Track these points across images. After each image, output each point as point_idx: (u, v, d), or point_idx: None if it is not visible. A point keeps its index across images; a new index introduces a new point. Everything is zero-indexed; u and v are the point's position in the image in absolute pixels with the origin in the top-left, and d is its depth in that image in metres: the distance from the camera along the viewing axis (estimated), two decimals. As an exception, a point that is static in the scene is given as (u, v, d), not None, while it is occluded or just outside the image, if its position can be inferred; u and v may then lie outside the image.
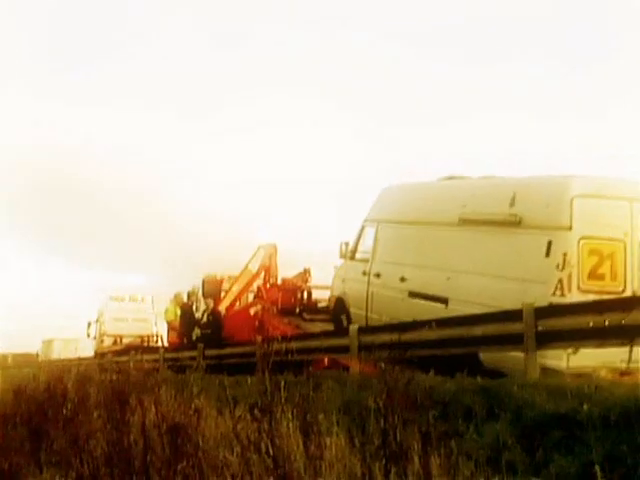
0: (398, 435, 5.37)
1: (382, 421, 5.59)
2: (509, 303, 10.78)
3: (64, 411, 8.23)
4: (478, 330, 10.47)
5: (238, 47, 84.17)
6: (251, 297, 24.97)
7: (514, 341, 9.91)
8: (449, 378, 8.84)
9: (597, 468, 4.90)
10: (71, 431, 7.98)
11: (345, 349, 12.84)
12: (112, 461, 7.12)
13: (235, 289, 24.85)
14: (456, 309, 12.15)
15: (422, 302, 13.46)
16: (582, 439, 6.06)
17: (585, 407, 6.63)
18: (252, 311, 23.02)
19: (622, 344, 9.11)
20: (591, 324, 8.89)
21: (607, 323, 8.75)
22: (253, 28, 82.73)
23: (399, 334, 11.53)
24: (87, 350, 36.75)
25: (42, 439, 8.53)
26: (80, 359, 24.86)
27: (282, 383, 6.52)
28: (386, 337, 11.73)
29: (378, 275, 15.43)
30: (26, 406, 9.92)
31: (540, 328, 9.50)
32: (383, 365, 5.68)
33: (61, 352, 39.03)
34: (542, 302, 10.12)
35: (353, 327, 13.03)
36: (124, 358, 22.65)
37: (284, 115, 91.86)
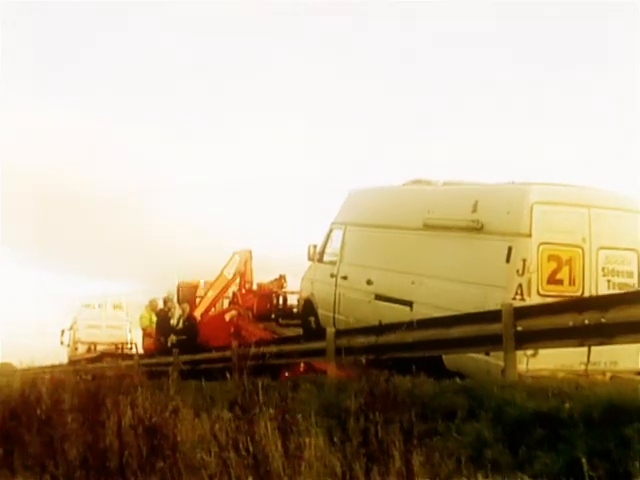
0: (379, 433, 5.29)
1: (363, 419, 5.53)
2: (471, 307, 10.96)
3: (38, 412, 8.08)
4: (455, 332, 10.44)
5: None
6: (226, 303, 24.87)
7: (492, 342, 9.91)
8: (428, 379, 8.78)
9: (584, 461, 4.85)
10: (45, 434, 7.85)
11: (321, 352, 12.75)
12: (87, 463, 7.00)
13: (210, 295, 24.71)
14: (421, 312, 12.24)
15: (388, 305, 13.57)
16: (565, 436, 6.02)
17: (567, 405, 6.61)
18: (227, 317, 22.89)
19: (602, 343, 9.12)
20: (571, 323, 8.90)
21: (587, 322, 8.77)
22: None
23: (376, 336, 11.49)
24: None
25: (15, 443, 8.38)
26: (53, 366, 24.44)
27: (260, 384, 6.47)
28: (363, 340, 11.69)
29: (345, 277, 15.52)
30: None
31: (519, 328, 9.49)
32: (364, 360, 5.63)
33: None
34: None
35: (330, 330, 12.92)
36: (99, 365, 22.39)
37: (259, 119, 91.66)
